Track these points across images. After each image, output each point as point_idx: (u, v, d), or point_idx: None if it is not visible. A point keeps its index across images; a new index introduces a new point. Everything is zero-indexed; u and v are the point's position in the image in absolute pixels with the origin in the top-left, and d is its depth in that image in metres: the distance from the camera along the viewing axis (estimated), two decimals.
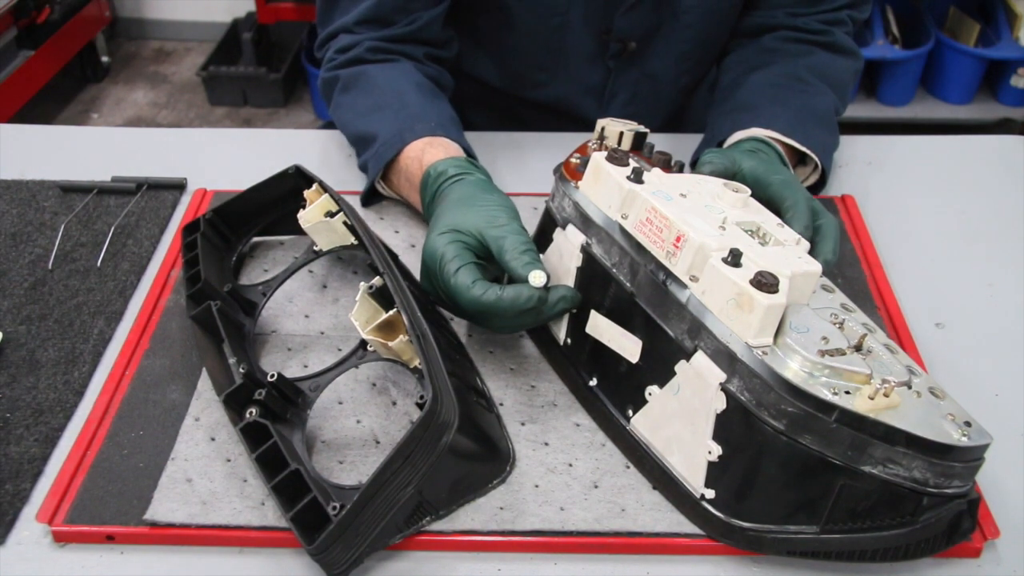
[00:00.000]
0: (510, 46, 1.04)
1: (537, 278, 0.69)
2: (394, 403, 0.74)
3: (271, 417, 0.66)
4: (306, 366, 0.77)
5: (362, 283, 0.70)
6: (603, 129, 0.77)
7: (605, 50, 1.03)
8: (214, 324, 0.74)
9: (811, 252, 0.75)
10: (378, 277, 0.70)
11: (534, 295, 0.69)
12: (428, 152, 0.85)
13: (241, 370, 0.70)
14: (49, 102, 2.88)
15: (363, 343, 0.71)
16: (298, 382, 0.70)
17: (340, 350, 0.78)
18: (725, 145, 0.90)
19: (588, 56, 1.04)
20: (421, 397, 0.61)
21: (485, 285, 0.70)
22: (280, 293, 0.81)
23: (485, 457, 0.68)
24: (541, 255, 0.76)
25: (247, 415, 0.65)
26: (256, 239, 0.88)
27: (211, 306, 0.74)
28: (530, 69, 1.06)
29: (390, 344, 0.67)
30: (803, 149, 0.89)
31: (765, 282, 0.59)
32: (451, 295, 0.72)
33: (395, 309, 0.67)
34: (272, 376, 0.67)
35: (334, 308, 0.82)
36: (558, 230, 0.74)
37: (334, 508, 0.60)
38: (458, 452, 0.65)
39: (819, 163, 0.91)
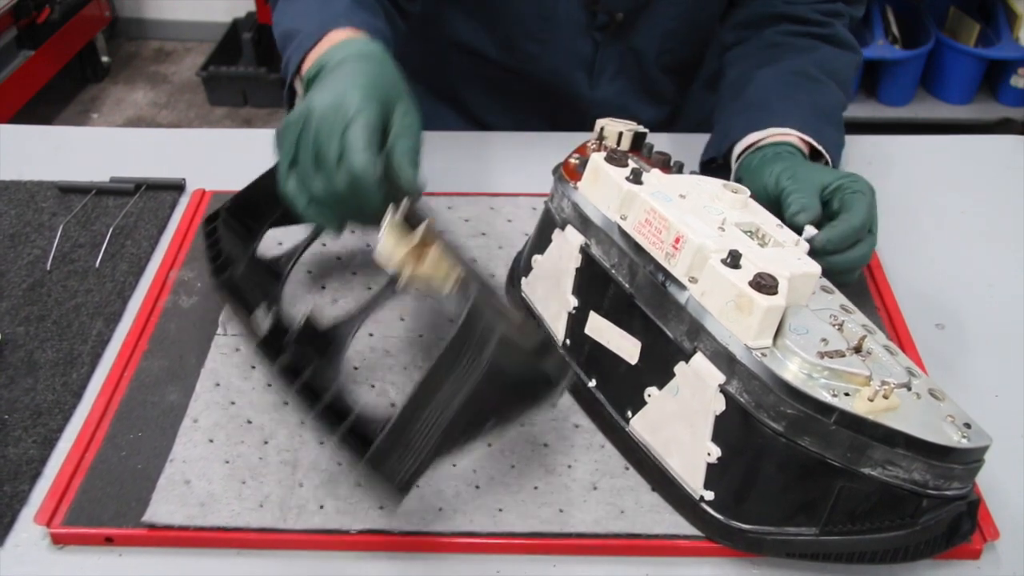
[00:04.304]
0: (501, 14, 1.05)
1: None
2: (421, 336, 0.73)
3: (307, 359, 0.65)
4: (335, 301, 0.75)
5: (388, 212, 0.67)
6: (602, 129, 0.77)
7: (593, 21, 1.04)
8: (239, 290, 0.72)
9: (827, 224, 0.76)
10: (404, 202, 0.66)
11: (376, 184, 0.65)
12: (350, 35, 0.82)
13: (272, 314, 0.69)
14: (49, 102, 2.88)
15: (392, 279, 0.68)
16: (330, 327, 0.69)
17: (369, 288, 0.77)
18: (742, 145, 0.90)
19: (577, 27, 1.04)
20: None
21: (375, 153, 0.66)
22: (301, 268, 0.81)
23: (538, 364, 0.63)
24: (539, 256, 0.76)
25: (280, 361, 0.63)
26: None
27: (236, 271, 0.72)
28: (522, 39, 1.06)
29: (423, 263, 0.64)
30: (819, 147, 0.89)
31: (764, 283, 0.59)
32: (339, 148, 0.66)
33: (424, 224, 0.64)
34: (304, 316, 0.65)
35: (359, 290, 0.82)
36: (557, 231, 0.74)
37: (384, 422, 0.57)
38: (511, 353, 0.61)
39: (830, 161, 0.91)
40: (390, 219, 0.66)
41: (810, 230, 0.73)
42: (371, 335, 0.71)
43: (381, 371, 0.73)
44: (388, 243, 0.67)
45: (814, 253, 0.67)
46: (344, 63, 0.74)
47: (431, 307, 0.81)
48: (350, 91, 0.69)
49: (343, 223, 0.71)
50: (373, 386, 0.72)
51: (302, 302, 0.81)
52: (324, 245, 0.85)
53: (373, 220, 0.70)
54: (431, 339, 0.78)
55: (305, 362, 0.64)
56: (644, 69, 1.09)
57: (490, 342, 0.59)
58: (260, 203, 0.84)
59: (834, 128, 0.92)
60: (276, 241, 0.86)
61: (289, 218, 0.85)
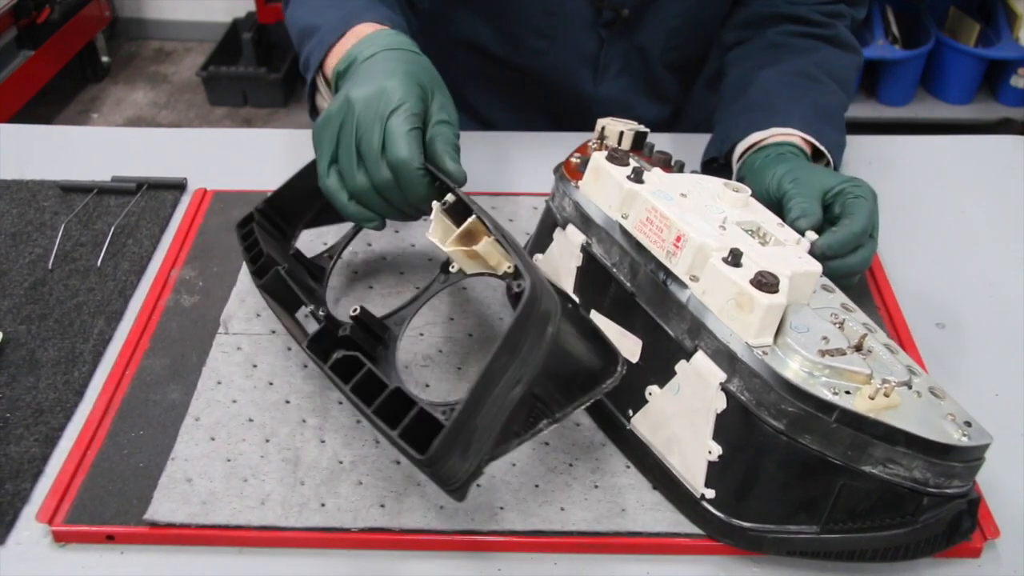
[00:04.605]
0: (508, 11, 1.05)
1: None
2: (470, 335, 0.73)
3: (361, 352, 0.63)
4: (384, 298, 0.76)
5: (435, 202, 0.67)
6: (603, 129, 0.77)
7: (599, 17, 1.04)
8: (284, 289, 0.71)
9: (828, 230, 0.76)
10: (449, 195, 0.67)
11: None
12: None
13: (320, 313, 0.68)
14: (49, 102, 2.88)
15: (443, 267, 0.68)
16: (382, 319, 0.68)
17: (417, 288, 0.76)
18: (744, 145, 0.90)
19: (583, 23, 1.04)
20: (519, 285, 0.57)
21: (419, 142, 0.67)
22: (347, 270, 0.81)
23: (594, 352, 0.63)
24: (540, 255, 0.77)
25: (334, 357, 0.62)
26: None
27: (279, 271, 0.71)
28: (527, 35, 1.06)
29: (476, 248, 0.64)
30: (821, 148, 0.89)
31: (765, 282, 0.59)
32: (381, 137, 0.68)
33: (472, 216, 0.65)
34: (355, 310, 0.64)
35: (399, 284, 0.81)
36: (558, 230, 0.74)
37: (444, 413, 0.55)
38: (566, 344, 0.61)
39: (832, 162, 0.91)
40: (438, 209, 0.66)
41: (811, 235, 0.73)
42: (421, 335, 0.70)
43: (431, 368, 0.73)
44: (437, 234, 0.67)
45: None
46: (377, 55, 0.74)
47: (479, 305, 0.81)
48: (389, 81, 0.70)
49: (385, 217, 0.71)
50: (428, 385, 0.72)
51: (349, 301, 0.80)
52: (370, 245, 0.84)
53: (416, 212, 0.71)
54: (481, 336, 0.78)
55: (358, 357, 0.62)
56: (648, 67, 1.09)
57: (552, 319, 0.57)
58: (292, 205, 0.84)
59: (835, 129, 0.92)
60: (319, 240, 0.85)
61: (322, 218, 0.85)
